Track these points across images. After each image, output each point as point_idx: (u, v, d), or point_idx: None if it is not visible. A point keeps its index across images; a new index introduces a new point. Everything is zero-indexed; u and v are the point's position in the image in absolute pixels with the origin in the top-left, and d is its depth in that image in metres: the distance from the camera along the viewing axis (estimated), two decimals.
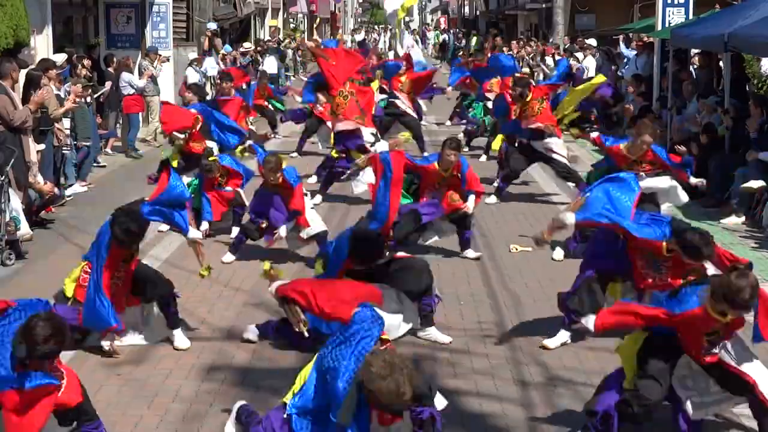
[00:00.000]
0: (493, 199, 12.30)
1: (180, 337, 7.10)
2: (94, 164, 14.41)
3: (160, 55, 17.74)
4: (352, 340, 4.76)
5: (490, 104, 15.79)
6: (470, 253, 9.66)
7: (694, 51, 17.30)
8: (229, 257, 9.51)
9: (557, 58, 22.78)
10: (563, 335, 7.14)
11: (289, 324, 7.01)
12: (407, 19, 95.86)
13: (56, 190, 11.07)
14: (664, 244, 6.45)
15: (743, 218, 11.32)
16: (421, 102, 16.81)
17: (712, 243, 6.19)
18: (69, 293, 6.98)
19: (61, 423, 5.11)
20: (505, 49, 29.95)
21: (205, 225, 10.31)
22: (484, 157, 15.89)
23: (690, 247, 6.18)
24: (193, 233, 7.41)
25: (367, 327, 4.85)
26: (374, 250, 6.96)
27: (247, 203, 10.55)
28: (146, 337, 7.19)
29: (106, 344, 6.82)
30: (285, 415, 4.83)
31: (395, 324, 7.01)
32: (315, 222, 9.28)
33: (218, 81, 14.75)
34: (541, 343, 7.13)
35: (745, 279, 5.04)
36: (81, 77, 13.98)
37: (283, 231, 9.18)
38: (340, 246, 6.97)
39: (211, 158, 10.46)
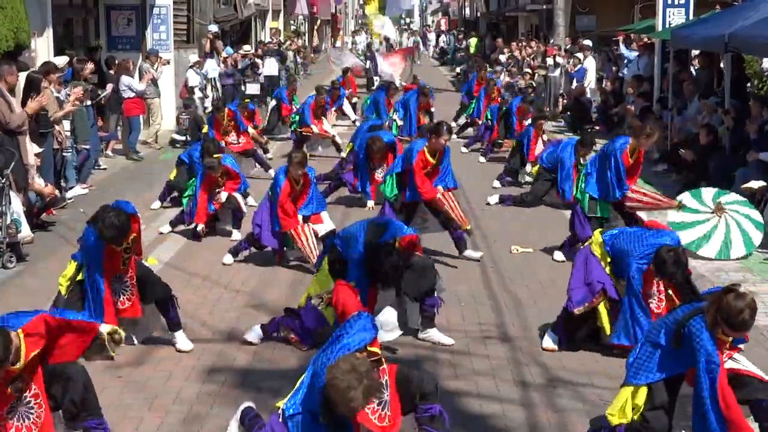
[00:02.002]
0: (494, 199, 12.34)
1: (182, 339, 7.07)
2: (95, 167, 14.41)
3: (160, 58, 17.71)
4: (341, 340, 4.79)
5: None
6: (471, 253, 9.65)
7: (694, 52, 17.32)
8: (228, 259, 9.51)
9: (558, 59, 22.76)
10: (552, 338, 7.14)
11: (291, 315, 7.02)
12: (408, 20, 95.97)
13: (57, 192, 11.06)
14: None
15: None
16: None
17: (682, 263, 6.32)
18: (64, 292, 6.96)
19: (66, 417, 5.12)
20: (505, 50, 29.99)
21: (200, 226, 10.34)
22: (482, 159, 16.04)
23: (660, 263, 6.33)
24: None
25: (357, 331, 4.86)
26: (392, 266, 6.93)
27: (245, 208, 10.57)
28: (138, 334, 7.11)
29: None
30: (281, 419, 4.82)
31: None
32: (326, 220, 9.41)
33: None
34: (541, 345, 7.13)
35: (742, 300, 4.78)
36: (83, 80, 13.95)
37: (300, 218, 9.21)
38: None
39: (215, 156, 10.47)
